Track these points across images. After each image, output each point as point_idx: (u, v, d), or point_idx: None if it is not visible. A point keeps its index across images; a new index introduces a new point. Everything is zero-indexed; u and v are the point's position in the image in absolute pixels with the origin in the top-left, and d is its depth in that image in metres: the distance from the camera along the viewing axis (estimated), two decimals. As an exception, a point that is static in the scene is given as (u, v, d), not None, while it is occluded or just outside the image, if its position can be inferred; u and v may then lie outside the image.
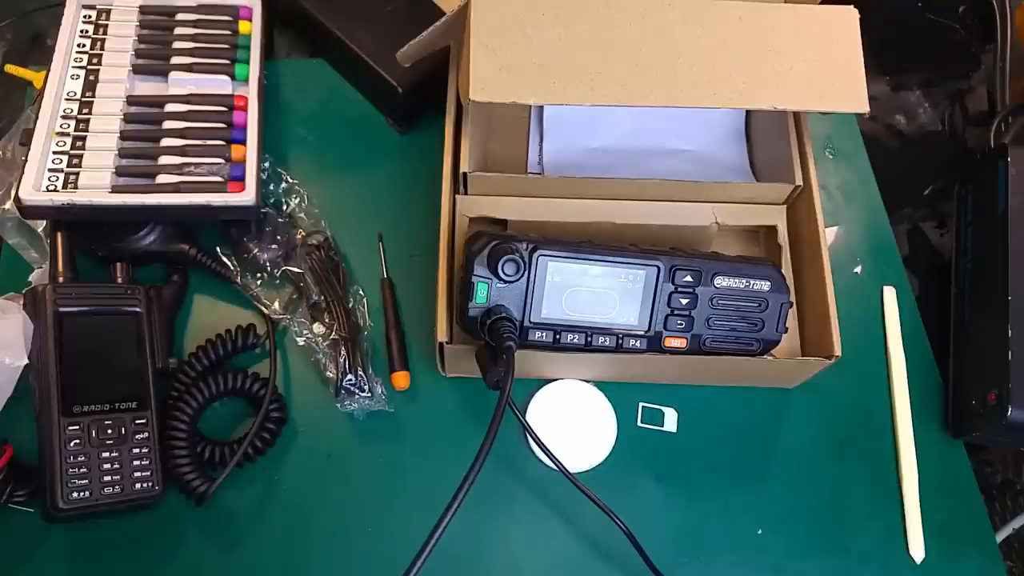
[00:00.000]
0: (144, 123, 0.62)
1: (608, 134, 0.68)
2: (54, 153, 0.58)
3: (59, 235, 0.57)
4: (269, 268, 0.62)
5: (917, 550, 0.59)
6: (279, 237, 0.62)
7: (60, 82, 0.61)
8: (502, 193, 0.60)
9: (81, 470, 0.51)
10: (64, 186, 0.57)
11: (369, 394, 0.58)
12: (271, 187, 0.64)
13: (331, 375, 0.59)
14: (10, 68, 0.70)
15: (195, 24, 0.67)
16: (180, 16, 0.67)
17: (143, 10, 0.66)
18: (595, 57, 0.53)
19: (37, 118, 0.59)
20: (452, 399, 0.61)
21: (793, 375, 0.61)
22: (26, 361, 0.52)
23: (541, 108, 0.68)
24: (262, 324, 0.61)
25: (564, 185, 0.60)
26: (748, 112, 0.69)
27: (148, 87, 0.64)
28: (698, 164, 0.67)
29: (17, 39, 0.75)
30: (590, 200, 0.61)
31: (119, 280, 0.58)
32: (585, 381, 0.62)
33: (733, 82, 0.54)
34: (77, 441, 0.51)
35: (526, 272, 0.53)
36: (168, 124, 0.61)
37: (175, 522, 0.56)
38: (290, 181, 0.65)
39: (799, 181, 0.61)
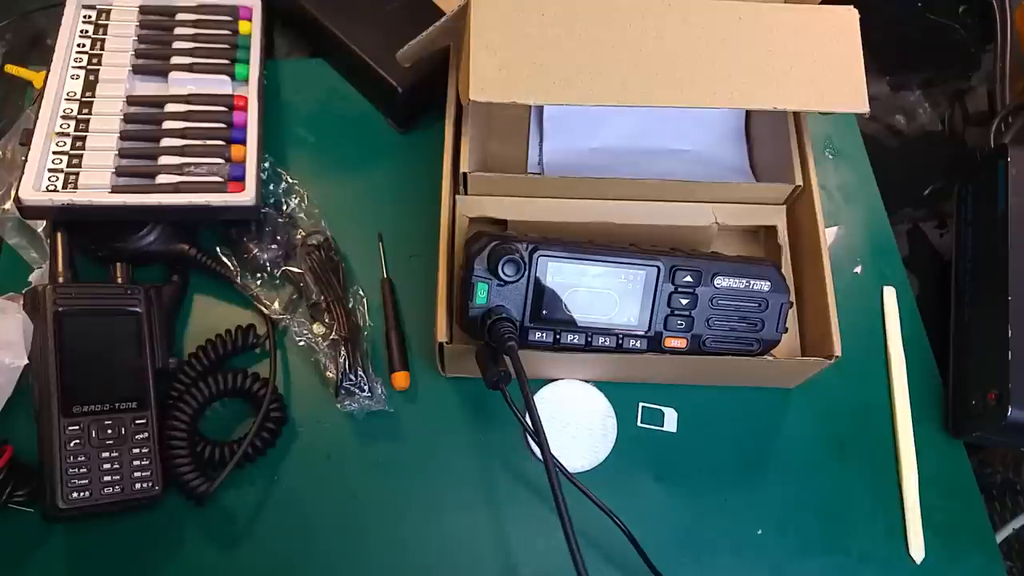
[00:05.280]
0: (144, 123, 0.62)
1: (608, 134, 0.68)
2: (54, 153, 0.58)
3: (59, 235, 0.57)
4: (269, 268, 0.62)
5: (917, 550, 0.59)
6: (279, 237, 0.62)
7: (60, 82, 0.61)
8: (502, 193, 0.60)
9: (81, 470, 0.51)
10: (64, 186, 0.57)
11: (369, 394, 0.58)
12: (271, 187, 0.64)
13: (331, 375, 0.59)
14: (10, 68, 0.70)
15: (195, 24, 0.67)
16: (180, 16, 0.67)
17: (143, 10, 0.66)
18: (595, 57, 0.53)
19: (37, 118, 0.59)
20: (452, 399, 0.61)
21: (793, 375, 0.61)
22: (26, 361, 0.52)
23: (541, 108, 0.68)
24: (262, 324, 0.61)
25: (564, 185, 0.60)
26: (748, 112, 0.69)
27: (148, 87, 0.64)
28: (698, 164, 0.67)
29: (17, 39, 0.75)
30: (590, 200, 0.61)
31: (119, 280, 0.58)
32: (585, 381, 0.62)
33: (733, 82, 0.54)
34: (77, 441, 0.51)
35: (526, 272, 0.53)
36: (168, 124, 0.61)
37: (175, 522, 0.56)
38: (290, 181, 0.65)
39: (799, 181, 0.61)
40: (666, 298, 0.55)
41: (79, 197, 0.56)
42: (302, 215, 0.65)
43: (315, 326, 0.60)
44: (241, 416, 0.59)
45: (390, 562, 0.56)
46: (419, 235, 0.65)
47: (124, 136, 0.60)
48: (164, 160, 0.60)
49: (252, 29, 0.68)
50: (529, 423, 0.51)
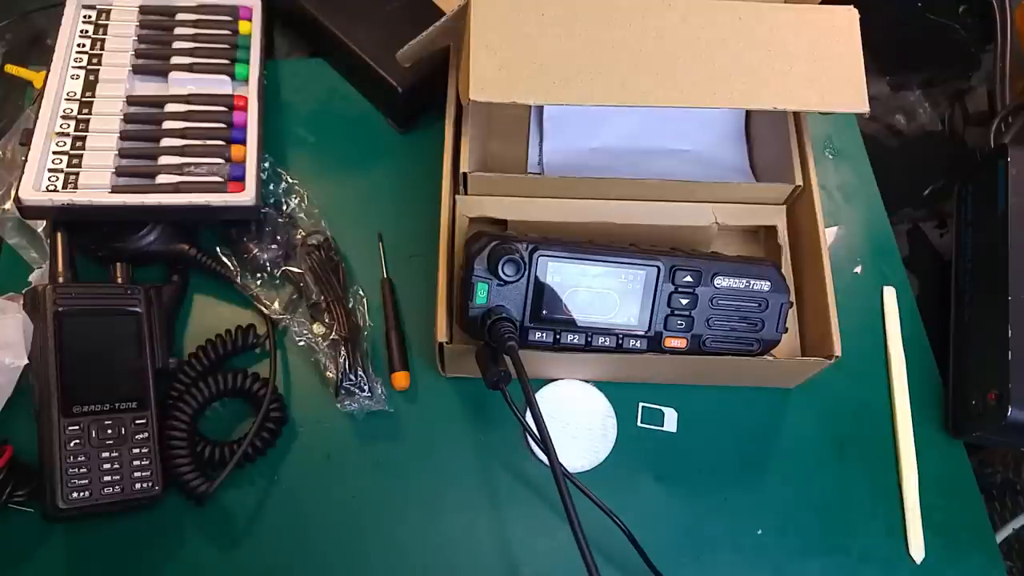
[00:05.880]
0: (144, 123, 0.62)
1: (608, 134, 0.68)
2: (54, 153, 0.58)
3: (59, 235, 0.57)
4: (269, 268, 0.62)
5: (917, 550, 0.59)
6: (279, 237, 0.62)
7: (60, 82, 0.61)
8: (502, 193, 0.60)
9: (81, 470, 0.51)
10: (64, 186, 0.57)
11: (369, 394, 0.58)
12: (271, 187, 0.64)
13: (331, 375, 0.59)
14: (10, 68, 0.70)
15: (195, 24, 0.67)
16: (180, 16, 0.67)
17: (143, 10, 0.66)
18: (595, 57, 0.53)
19: (37, 118, 0.59)
20: (452, 399, 0.61)
21: (793, 375, 0.61)
22: (26, 361, 0.52)
23: (541, 108, 0.68)
24: (262, 324, 0.61)
25: (564, 185, 0.60)
26: (748, 112, 0.69)
27: (148, 87, 0.64)
28: (698, 164, 0.67)
29: (17, 39, 0.75)
30: (590, 200, 0.61)
31: (119, 280, 0.58)
32: (585, 381, 0.62)
33: (733, 82, 0.54)
34: (77, 441, 0.51)
35: (526, 272, 0.53)
36: (168, 124, 0.61)
37: (175, 522, 0.56)
38: (290, 181, 0.65)
39: (799, 181, 0.61)
40: (666, 298, 0.55)
41: (79, 197, 0.56)
42: (302, 215, 0.65)
43: (315, 326, 0.60)
44: (241, 416, 0.59)
45: (389, 562, 0.56)
46: (419, 235, 0.65)
47: (124, 136, 0.60)
48: (164, 160, 0.60)
49: (252, 29, 0.68)
50: (530, 423, 0.51)
